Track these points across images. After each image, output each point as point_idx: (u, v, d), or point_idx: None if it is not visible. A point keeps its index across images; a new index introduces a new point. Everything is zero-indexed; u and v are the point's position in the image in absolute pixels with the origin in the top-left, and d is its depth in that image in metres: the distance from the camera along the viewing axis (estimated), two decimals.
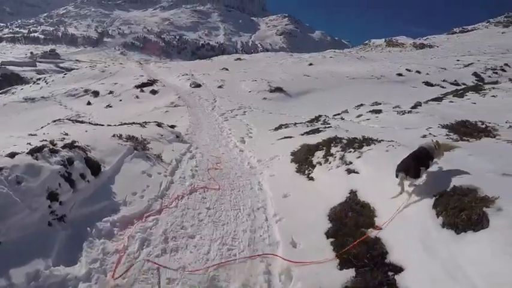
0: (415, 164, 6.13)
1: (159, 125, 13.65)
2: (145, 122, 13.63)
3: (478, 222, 4.95)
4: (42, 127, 12.69)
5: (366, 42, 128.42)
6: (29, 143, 6.62)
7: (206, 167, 10.04)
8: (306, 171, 9.50)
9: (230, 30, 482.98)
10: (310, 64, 51.94)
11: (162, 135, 12.00)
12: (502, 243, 4.40)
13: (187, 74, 40.50)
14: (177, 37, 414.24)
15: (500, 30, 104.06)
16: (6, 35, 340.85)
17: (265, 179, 9.52)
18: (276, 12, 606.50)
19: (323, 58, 62.06)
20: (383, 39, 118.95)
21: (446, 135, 11.06)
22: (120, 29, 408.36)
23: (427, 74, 40.69)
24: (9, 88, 47.96)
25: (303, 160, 10.15)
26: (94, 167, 6.83)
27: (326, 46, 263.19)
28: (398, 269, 5.04)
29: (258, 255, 5.67)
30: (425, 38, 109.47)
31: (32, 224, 4.72)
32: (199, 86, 33.19)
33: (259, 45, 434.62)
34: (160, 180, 7.95)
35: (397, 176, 6.14)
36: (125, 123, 13.83)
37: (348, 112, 20.55)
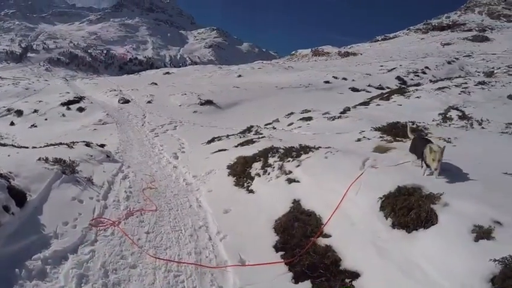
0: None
1: (87, 144, 12.78)
2: (73, 142, 12.71)
3: (428, 220, 5.15)
4: None
5: (293, 52, 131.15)
6: None
7: (140, 187, 9.46)
8: (245, 184, 9.30)
9: (158, 44, 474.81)
10: (239, 76, 52.00)
11: (91, 156, 11.14)
12: (453, 237, 4.57)
13: (115, 90, 39.03)
14: (105, 51, 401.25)
15: (419, 37, 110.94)
16: None
17: (203, 195, 9.18)
18: (204, 25, 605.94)
19: (251, 69, 62.43)
20: (309, 49, 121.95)
21: (380, 137, 11.31)
22: (45, 43, 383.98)
23: (353, 80, 42.03)
24: None
25: (241, 173, 9.92)
26: (19, 196, 6.05)
27: (254, 57, 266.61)
28: (355, 275, 5.00)
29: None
30: (350, 46, 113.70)
31: None
32: (127, 101, 32.03)
33: (187, 58, 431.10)
34: (93, 205, 7.26)
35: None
36: (51, 144, 12.77)
37: (279, 121, 20.71)
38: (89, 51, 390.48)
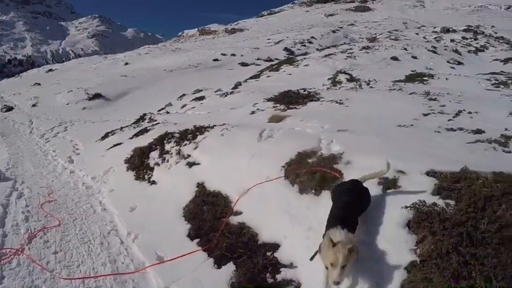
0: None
1: None
2: None
3: (334, 179, 5.24)
4: None
5: (180, 34, 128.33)
6: None
7: (38, 202, 8.56)
8: (146, 176, 9.02)
9: (38, 40, 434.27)
10: (126, 64, 49.71)
11: None
12: None
13: None
14: None
15: (304, 10, 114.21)
16: None
17: (105, 196, 8.75)
18: (85, 14, 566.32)
19: (138, 55, 60.02)
20: (196, 29, 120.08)
21: (273, 107, 11.47)
22: None
23: (242, 55, 42.22)
24: None
25: (139, 165, 9.59)
26: None
27: (140, 43, 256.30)
28: (275, 246, 5.03)
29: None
30: (236, 23, 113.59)
31: None
32: (11, 108, 29.04)
33: (70, 51, 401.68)
34: None
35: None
36: None
37: (172, 105, 20.25)
38: None
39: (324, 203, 5.02)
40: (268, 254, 5.01)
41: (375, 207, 4.53)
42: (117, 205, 8.02)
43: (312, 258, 4.13)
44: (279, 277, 4.67)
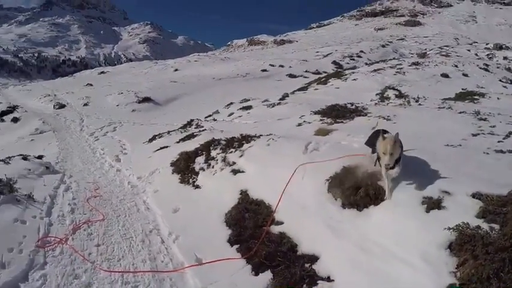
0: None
1: (25, 158, 12.06)
2: (9, 157, 11.99)
3: (377, 196, 5.26)
4: None
5: (229, 43, 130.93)
6: None
7: (85, 197, 8.96)
8: (191, 180, 9.15)
9: (92, 43, 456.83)
10: (176, 70, 51.13)
11: (30, 170, 10.49)
12: (405, 210, 4.76)
13: (49, 95, 37.17)
14: (36, 54, 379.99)
15: (353, 23, 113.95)
16: None
17: (150, 196, 8.95)
18: (137, 21, 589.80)
19: (188, 62, 61.56)
20: (245, 39, 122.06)
21: (320, 120, 11.43)
22: None
23: (290, 67, 42.46)
24: None
25: (185, 169, 9.75)
26: None
27: (190, 50, 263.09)
28: (314, 258, 5.02)
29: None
30: (285, 34, 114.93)
31: None
32: (63, 106, 30.56)
33: (122, 55, 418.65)
34: (37, 225, 6.80)
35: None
36: None
37: (219, 112, 20.54)
38: (19, 55, 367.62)
39: (366, 219, 5.02)
40: (307, 265, 5.00)
41: (416, 226, 4.47)
42: (161, 206, 8.19)
43: (375, 164, 5.54)
44: None
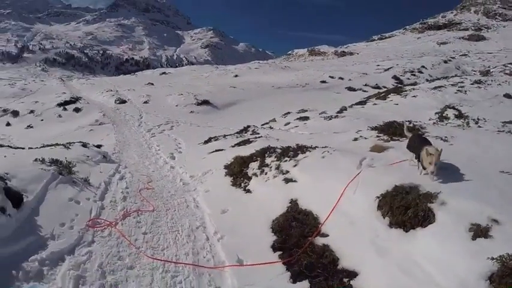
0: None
1: (84, 145, 12.78)
2: (70, 143, 12.68)
3: (425, 218, 5.12)
4: None
5: (289, 52, 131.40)
6: None
7: (137, 187, 9.40)
8: (242, 184, 9.23)
9: (155, 44, 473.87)
10: (236, 76, 52.05)
11: (88, 157, 11.14)
12: (451, 235, 4.57)
13: (111, 90, 38.97)
14: (101, 52, 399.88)
15: (416, 36, 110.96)
16: None
17: (200, 195, 9.12)
18: (200, 26, 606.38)
19: (248, 69, 62.50)
20: (306, 49, 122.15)
21: (377, 136, 11.25)
22: (41, 43, 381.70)
23: (350, 79, 42.12)
24: None
25: (238, 173, 9.86)
26: (15, 198, 6.01)
27: (251, 57, 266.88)
28: (353, 274, 4.99)
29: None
30: (346, 46, 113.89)
31: None
32: (124, 102, 32.01)
33: (184, 58, 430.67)
34: (89, 206, 7.23)
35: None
36: (48, 145, 12.81)
37: (275, 121, 20.67)
38: (85, 51, 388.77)
39: (411, 241, 4.90)
40: (345, 280, 4.95)
41: (460, 253, 4.30)
42: (210, 205, 8.33)
43: (418, 167, 6.44)
44: None
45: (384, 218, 5.58)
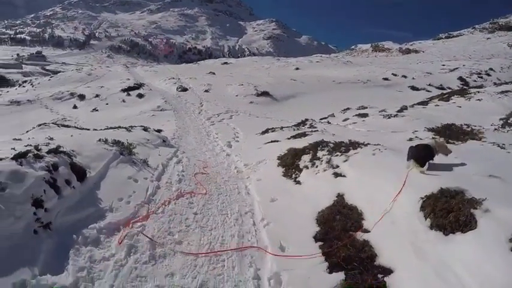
0: (423, 154, 6.87)
1: (145, 129, 13.54)
2: (132, 126, 13.49)
3: (466, 224, 5.03)
4: (27, 131, 12.40)
5: (353, 47, 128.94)
6: (13, 148, 6.33)
7: (193, 171, 9.95)
8: (293, 175, 9.43)
9: (217, 34, 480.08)
10: (297, 68, 52.03)
11: (148, 140, 11.90)
12: (490, 244, 4.48)
13: (174, 78, 40.31)
14: (164, 40, 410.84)
15: (485, 36, 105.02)
16: None
17: (252, 183, 9.45)
18: (263, 17, 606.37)
19: (310, 62, 62.22)
20: (369, 44, 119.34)
21: (432, 138, 11.09)
22: (107, 31, 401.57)
23: (413, 78, 40.95)
24: None
25: (290, 164, 10.07)
26: (79, 172, 6.71)
27: (313, 51, 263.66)
28: (388, 271, 5.07)
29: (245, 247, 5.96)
30: (411, 43, 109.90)
31: (17, 232, 4.56)
32: (185, 90, 33.07)
33: (246, 49, 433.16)
34: (146, 185, 7.84)
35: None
36: (111, 128, 13.73)
37: (334, 116, 20.62)
38: (149, 39, 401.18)
39: (449, 245, 4.86)
40: (380, 276, 5.02)
41: (496, 263, 4.21)
42: (260, 193, 8.62)
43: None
44: None
45: (426, 219, 5.56)
